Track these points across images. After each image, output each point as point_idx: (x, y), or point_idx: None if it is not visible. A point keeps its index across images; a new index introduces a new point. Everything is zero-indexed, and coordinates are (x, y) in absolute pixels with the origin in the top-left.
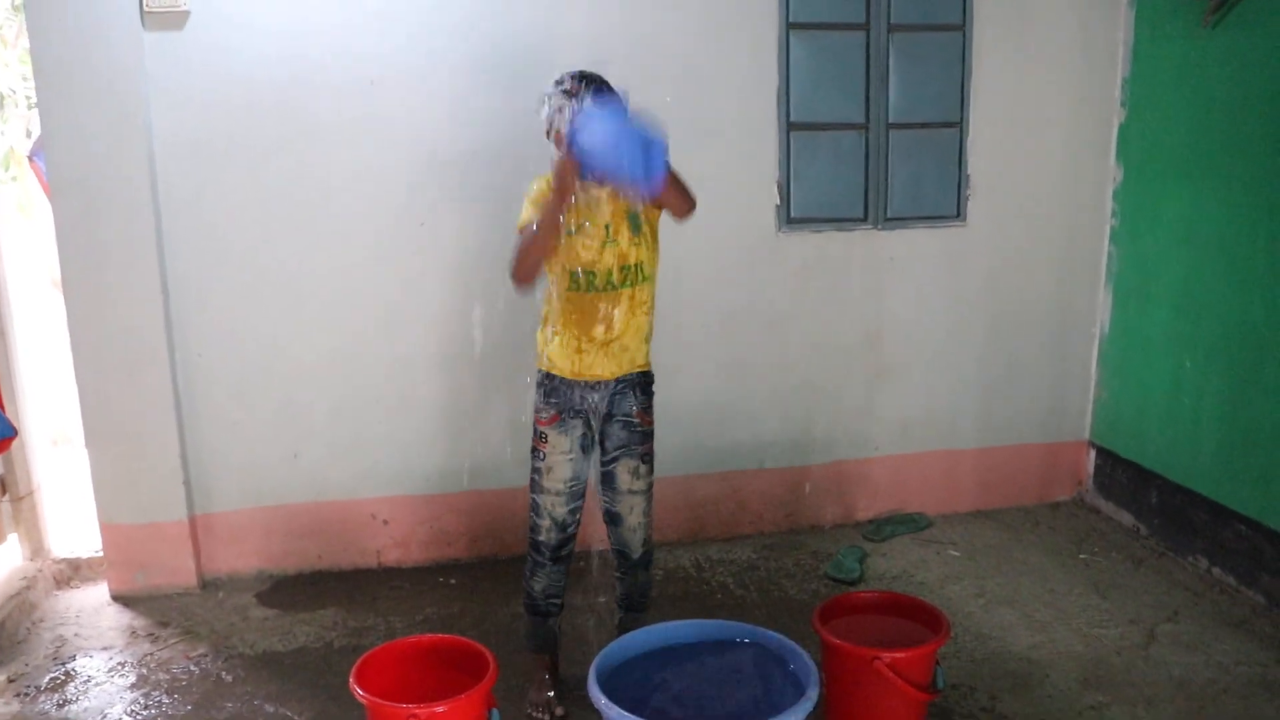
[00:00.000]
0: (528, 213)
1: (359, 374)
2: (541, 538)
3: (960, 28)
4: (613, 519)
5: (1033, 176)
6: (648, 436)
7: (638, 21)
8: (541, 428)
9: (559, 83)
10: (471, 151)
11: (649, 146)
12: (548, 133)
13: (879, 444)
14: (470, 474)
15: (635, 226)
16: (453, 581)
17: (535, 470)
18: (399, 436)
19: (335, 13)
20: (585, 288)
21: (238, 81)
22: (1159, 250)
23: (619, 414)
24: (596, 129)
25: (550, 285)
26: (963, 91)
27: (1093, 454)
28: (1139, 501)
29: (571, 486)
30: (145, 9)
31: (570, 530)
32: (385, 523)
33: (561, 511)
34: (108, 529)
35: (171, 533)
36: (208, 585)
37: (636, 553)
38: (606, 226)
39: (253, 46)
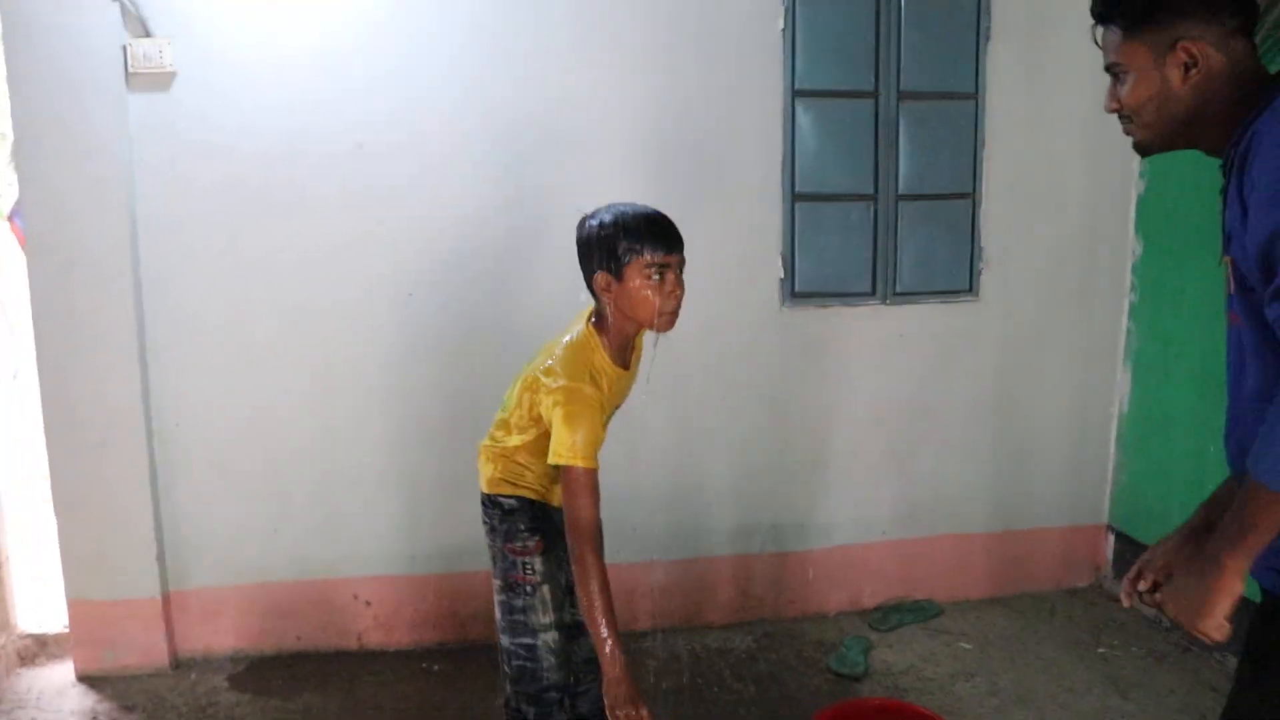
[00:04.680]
0: (578, 436)
1: (342, 449)
2: (553, 678)
3: (973, 96)
4: (581, 629)
5: (1048, 249)
6: None
7: (637, 88)
8: (526, 559)
9: (612, 216)
10: (461, 219)
11: None
12: (590, 264)
13: (886, 527)
14: (457, 555)
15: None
16: (436, 668)
17: (522, 610)
18: (383, 514)
19: (323, 82)
20: None
21: (223, 146)
22: (1182, 327)
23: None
24: None
25: (523, 456)
26: (975, 162)
27: (1111, 538)
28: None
29: (559, 614)
30: (130, 69)
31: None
32: (368, 603)
33: (563, 644)
34: (76, 605)
35: (143, 610)
36: (180, 665)
37: None
38: (616, 409)
39: (239, 111)
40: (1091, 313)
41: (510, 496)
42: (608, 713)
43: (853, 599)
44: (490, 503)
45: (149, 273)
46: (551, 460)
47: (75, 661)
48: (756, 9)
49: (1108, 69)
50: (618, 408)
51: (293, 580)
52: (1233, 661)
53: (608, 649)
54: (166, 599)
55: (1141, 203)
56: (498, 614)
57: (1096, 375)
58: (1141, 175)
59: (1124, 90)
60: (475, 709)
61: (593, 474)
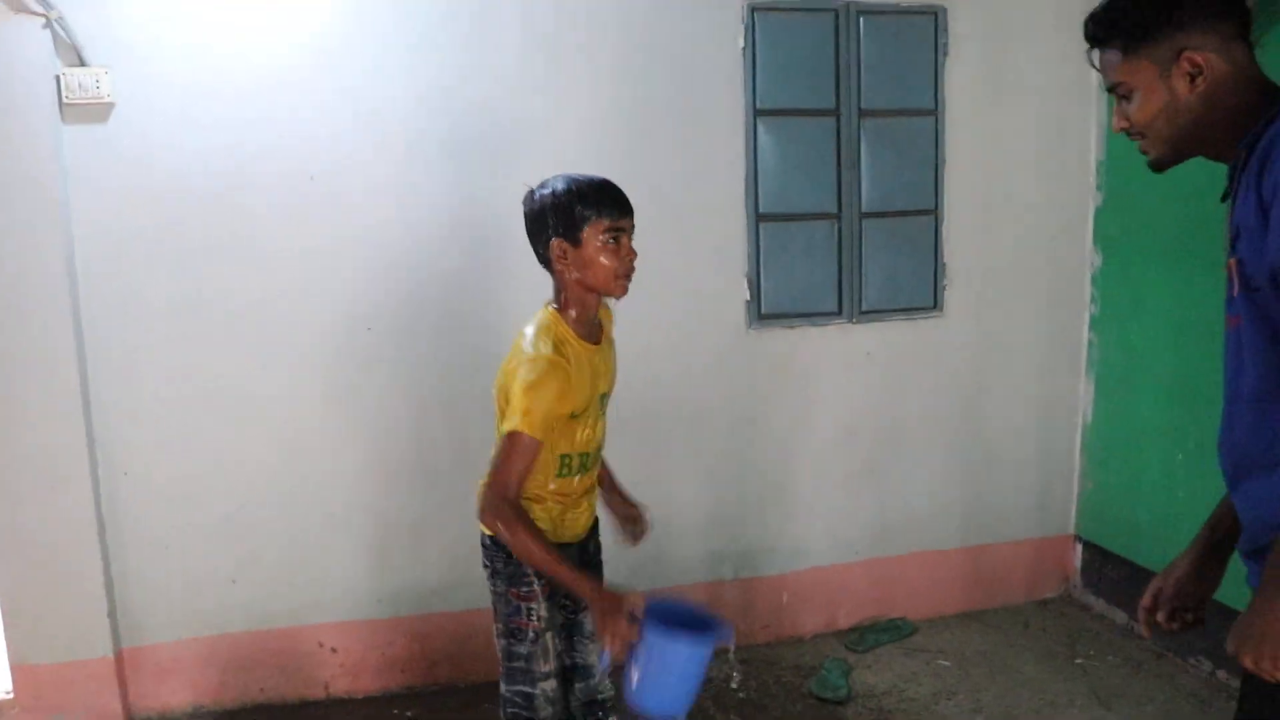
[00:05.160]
0: (534, 404)
1: (302, 490)
2: None
3: (933, 112)
4: (581, 673)
5: (1010, 263)
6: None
7: (597, 105)
8: (530, 604)
9: (565, 184)
10: (419, 248)
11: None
12: (544, 233)
13: (858, 548)
14: (423, 595)
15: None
16: (409, 714)
17: (524, 658)
18: (346, 557)
19: (272, 112)
20: (578, 469)
21: (167, 177)
22: (1145, 337)
23: (589, 558)
24: (674, 657)
25: None
26: (937, 178)
27: (1079, 549)
28: (1133, 599)
29: (558, 662)
30: (64, 100)
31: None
32: (333, 650)
33: (560, 691)
34: (20, 671)
35: (95, 671)
36: None
37: (610, 691)
38: (603, 397)
39: (183, 144)
40: (1053, 325)
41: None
42: (599, 636)
43: (828, 621)
44: (493, 545)
45: (91, 313)
46: (504, 429)
47: None
48: (716, 28)
49: (1110, 90)
50: (606, 396)
51: (254, 630)
52: (1208, 666)
53: (572, 580)
54: (119, 657)
55: (1099, 215)
56: (500, 663)
57: (1060, 387)
58: (1099, 188)
59: (1132, 109)
60: None
61: (537, 447)
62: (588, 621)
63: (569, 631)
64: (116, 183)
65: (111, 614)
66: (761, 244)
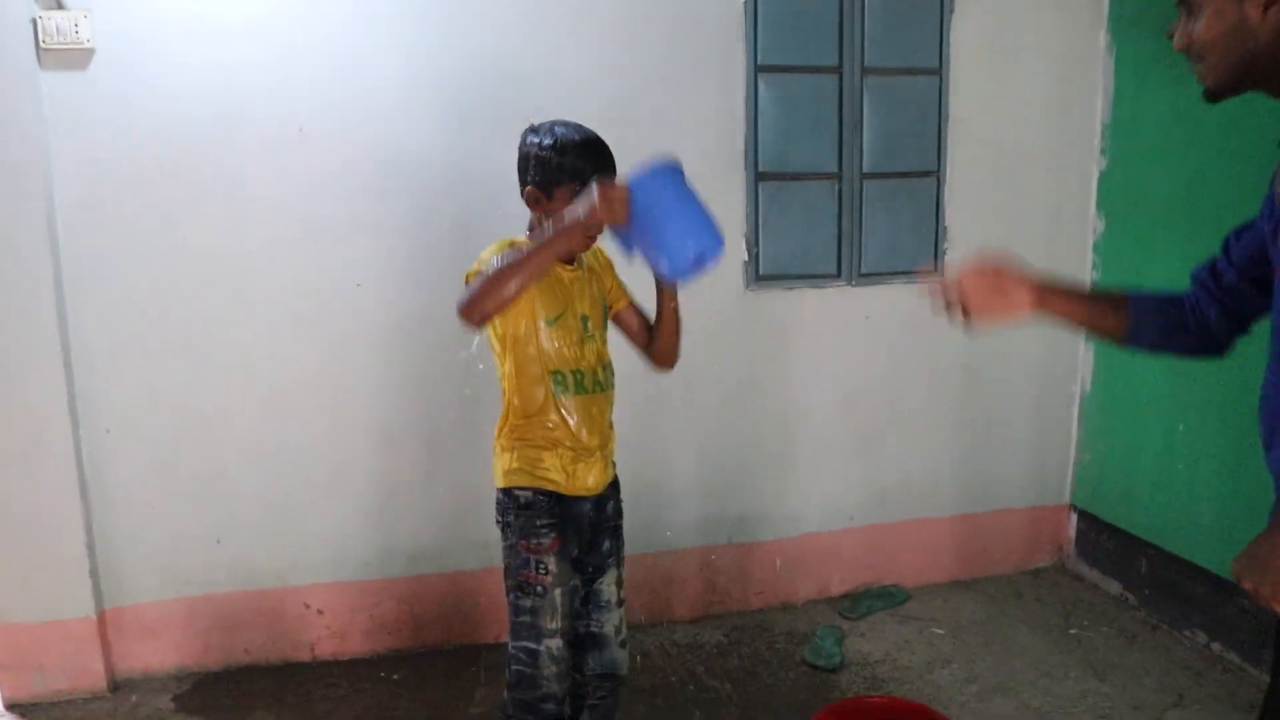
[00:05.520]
0: (489, 256)
1: (288, 449)
2: (551, 688)
3: (937, 72)
4: (596, 642)
5: (1011, 228)
6: (623, 539)
7: (596, 60)
8: (540, 557)
9: (552, 138)
10: (410, 204)
11: (710, 226)
12: (524, 176)
13: (854, 514)
14: (412, 557)
15: (605, 321)
16: (395, 676)
17: (530, 611)
18: (334, 517)
19: (262, 59)
20: (575, 389)
21: (150, 127)
22: None
23: (607, 522)
24: (663, 187)
25: (516, 398)
26: (940, 139)
27: (1074, 518)
28: (1127, 570)
29: (569, 621)
30: (41, 45)
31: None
32: (319, 612)
33: (566, 651)
34: (2, 629)
35: (76, 631)
36: (119, 687)
37: (625, 667)
38: (584, 319)
39: (167, 92)
40: None
41: (527, 489)
42: (598, 209)
43: (821, 588)
44: (505, 496)
45: (72, 268)
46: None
47: (2, 689)
48: None
49: (1179, 3)
50: (590, 320)
51: (239, 591)
52: (1203, 638)
53: (555, 234)
54: (102, 617)
55: (1103, 180)
56: (509, 617)
57: (1059, 355)
58: (1103, 152)
59: (1197, 26)
60: (442, 718)
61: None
62: (605, 590)
63: (586, 600)
64: (98, 130)
65: (93, 573)
66: (761, 204)
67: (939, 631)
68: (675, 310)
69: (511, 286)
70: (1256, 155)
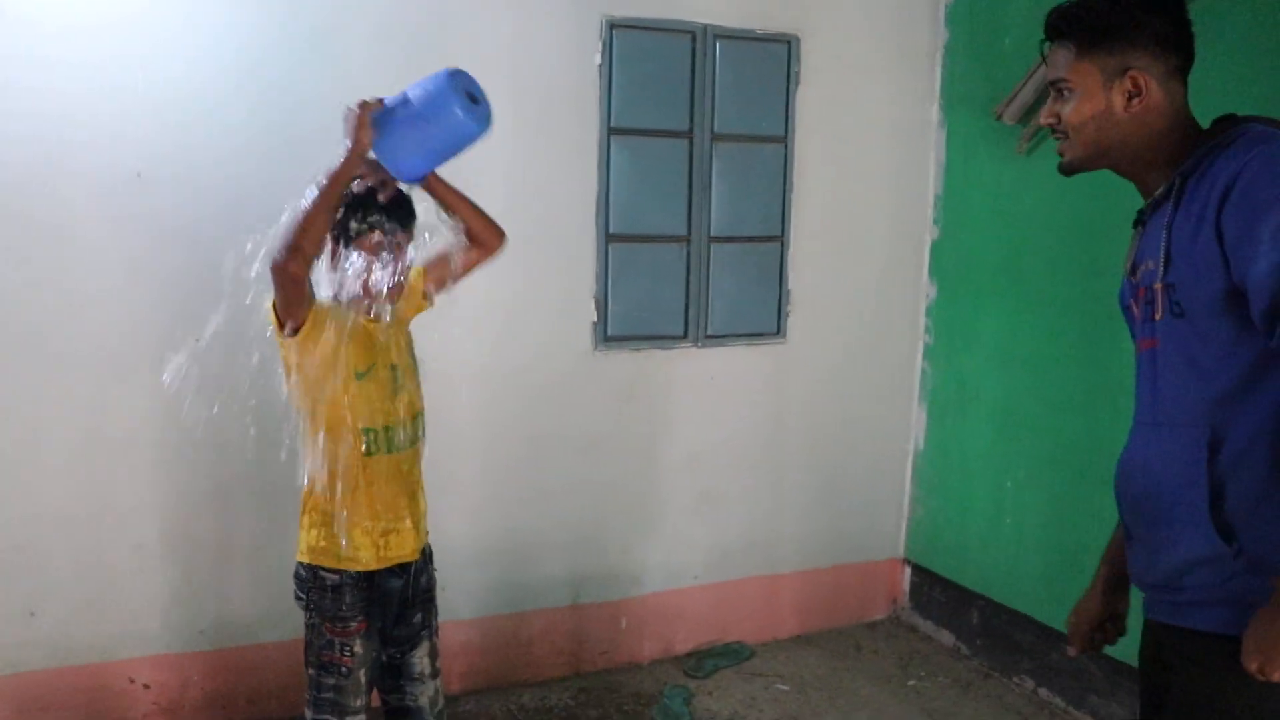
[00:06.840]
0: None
1: (109, 515)
2: None
3: (782, 140)
4: (410, 715)
5: (850, 292)
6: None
7: None
8: (345, 640)
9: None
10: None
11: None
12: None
13: (698, 572)
14: (246, 625)
15: (415, 369)
16: None
17: (333, 689)
18: (161, 585)
19: (95, 98)
20: (386, 447)
21: None
22: (976, 369)
23: (419, 595)
24: (404, 99)
25: (322, 465)
26: (784, 205)
27: (908, 571)
28: (959, 621)
29: (368, 699)
30: None
31: None
32: (146, 687)
33: None
34: None
35: None
36: None
37: None
38: (393, 368)
39: None
40: (889, 354)
41: (333, 570)
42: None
43: (666, 647)
44: (309, 574)
45: None
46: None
47: None
48: (574, 42)
49: (1052, 84)
50: (399, 370)
51: (55, 668)
52: (1030, 684)
53: (338, 169)
54: None
55: (935, 248)
56: (307, 690)
57: (894, 415)
58: (935, 222)
59: (1067, 108)
60: None
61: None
62: (417, 663)
63: (399, 673)
64: None
65: None
66: (610, 264)
67: (784, 687)
68: (452, 190)
69: (319, 221)
70: (1074, 228)
